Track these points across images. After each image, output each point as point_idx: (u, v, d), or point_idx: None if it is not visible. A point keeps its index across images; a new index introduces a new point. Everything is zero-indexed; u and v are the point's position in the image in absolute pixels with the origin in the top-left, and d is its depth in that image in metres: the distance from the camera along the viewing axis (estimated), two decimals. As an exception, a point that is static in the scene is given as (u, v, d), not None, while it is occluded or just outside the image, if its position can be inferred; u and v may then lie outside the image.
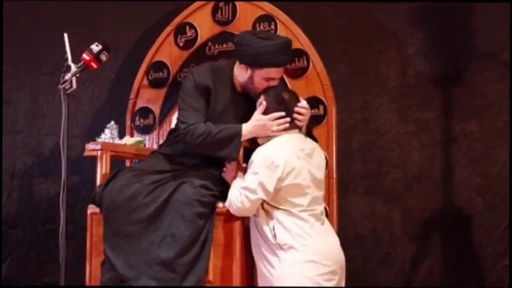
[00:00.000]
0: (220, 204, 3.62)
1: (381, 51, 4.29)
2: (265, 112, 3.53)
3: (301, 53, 4.07)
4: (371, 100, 4.31)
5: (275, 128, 3.52)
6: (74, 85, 3.57)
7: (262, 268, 3.49)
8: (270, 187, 3.42)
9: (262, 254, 3.48)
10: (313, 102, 3.97)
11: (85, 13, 4.81)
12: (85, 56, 3.57)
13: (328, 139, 3.93)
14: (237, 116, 3.69)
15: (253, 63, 3.59)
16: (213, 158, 3.68)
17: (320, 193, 3.55)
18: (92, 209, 3.79)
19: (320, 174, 3.56)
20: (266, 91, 3.59)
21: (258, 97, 3.64)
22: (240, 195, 3.48)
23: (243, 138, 3.58)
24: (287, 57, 3.63)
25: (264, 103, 3.56)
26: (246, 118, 3.61)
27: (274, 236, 3.42)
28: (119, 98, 4.63)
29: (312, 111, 3.79)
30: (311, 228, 3.42)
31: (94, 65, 3.58)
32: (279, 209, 3.45)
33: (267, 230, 3.45)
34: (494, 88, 4.08)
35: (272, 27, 4.11)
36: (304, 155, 3.49)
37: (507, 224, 4.00)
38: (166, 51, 4.33)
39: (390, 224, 4.22)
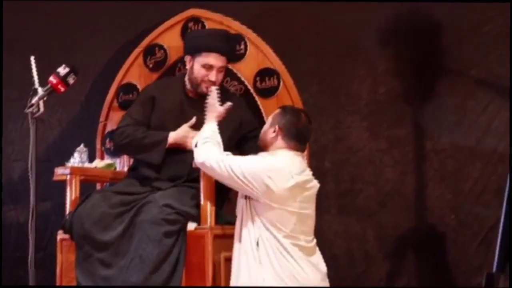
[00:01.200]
0: (192, 226, 3.56)
1: (352, 69, 4.28)
2: (273, 120, 3.47)
3: (271, 72, 4.05)
4: (342, 119, 4.30)
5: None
6: (42, 109, 3.48)
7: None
8: (258, 182, 3.31)
9: (239, 263, 3.41)
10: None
11: (53, 36, 4.77)
12: (52, 79, 3.50)
13: (299, 159, 3.83)
14: (187, 118, 3.75)
15: (192, 48, 3.77)
16: (187, 180, 3.69)
17: (308, 227, 3.48)
18: (61, 235, 3.74)
19: (310, 206, 3.49)
20: (284, 106, 3.58)
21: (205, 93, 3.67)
22: (222, 162, 3.37)
23: (168, 145, 3.69)
24: (224, 45, 3.75)
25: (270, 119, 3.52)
26: (198, 122, 3.68)
27: (257, 244, 3.35)
28: (89, 121, 4.58)
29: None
30: (293, 259, 3.37)
31: (62, 88, 3.51)
32: (263, 226, 3.38)
33: (251, 238, 3.37)
34: (465, 105, 4.08)
35: (242, 46, 4.10)
36: (301, 182, 3.42)
37: (480, 241, 3.99)
38: (136, 72, 4.29)
39: (365, 242, 4.19)
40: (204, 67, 3.76)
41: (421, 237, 4.11)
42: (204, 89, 3.77)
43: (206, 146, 3.46)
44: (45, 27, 4.80)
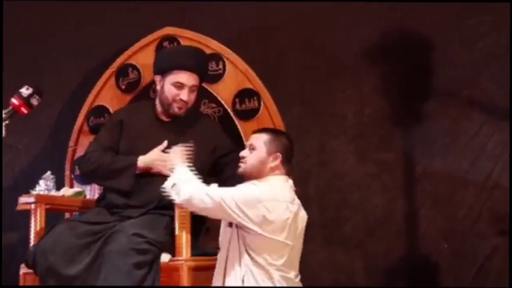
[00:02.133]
0: (165, 258, 3.39)
1: (336, 89, 4.19)
2: (269, 148, 3.33)
3: (251, 93, 3.94)
4: (327, 141, 4.20)
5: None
6: (4, 133, 3.28)
7: None
8: (254, 213, 3.17)
9: None
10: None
11: (19, 56, 4.65)
12: (14, 100, 3.29)
13: (282, 185, 3.67)
14: (158, 142, 3.62)
15: (161, 68, 3.68)
16: (158, 206, 3.54)
17: (296, 258, 3.36)
18: (24, 269, 3.57)
19: (299, 240, 3.37)
20: (262, 129, 3.45)
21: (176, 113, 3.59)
22: (213, 193, 3.20)
23: (138, 170, 3.58)
24: (196, 62, 3.66)
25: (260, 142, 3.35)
26: (168, 140, 3.59)
27: (242, 281, 3.21)
28: (58, 147, 4.42)
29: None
30: None
31: (24, 110, 3.30)
32: (252, 259, 3.22)
33: (236, 275, 3.23)
34: (457, 126, 3.98)
35: (220, 66, 3.99)
36: (293, 210, 3.29)
37: (476, 272, 3.86)
38: (108, 94, 4.16)
39: (352, 274, 4.08)
40: (175, 85, 3.64)
41: (413, 268, 4.00)
42: (176, 110, 3.66)
43: (187, 183, 3.28)
44: (14, 46, 4.67)
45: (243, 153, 3.37)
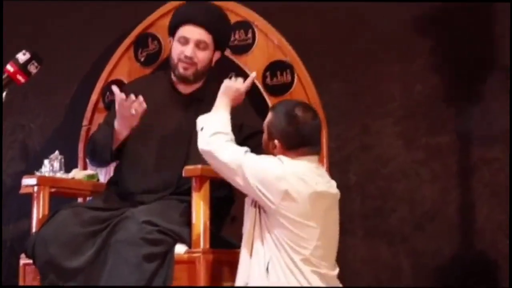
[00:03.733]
0: (181, 249, 3.14)
1: (381, 65, 3.99)
2: (269, 133, 3.08)
3: (284, 66, 3.69)
4: (371, 123, 4.00)
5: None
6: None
7: None
8: (274, 189, 2.92)
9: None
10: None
11: (34, 31, 4.44)
12: (9, 67, 2.99)
13: (318, 169, 3.49)
14: (176, 118, 3.43)
15: (171, 27, 3.44)
16: (175, 192, 3.33)
17: (330, 251, 3.10)
18: (24, 259, 3.35)
19: (334, 226, 3.14)
20: (274, 106, 3.21)
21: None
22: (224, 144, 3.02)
23: (117, 133, 3.35)
24: (202, 14, 3.38)
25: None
26: (186, 116, 3.38)
27: (267, 270, 2.97)
28: (74, 126, 4.19)
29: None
30: None
31: (21, 79, 3.00)
32: (276, 244, 2.98)
33: (260, 262, 3.00)
34: None
35: (250, 35, 3.73)
36: (325, 191, 3.05)
37: None
38: (125, 68, 3.92)
39: (398, 273, 3.90)
40: (179, 41, 3.38)
41: (467, 267, 3.82)
42: (182, 70, 3.39)
43: (217, 132, 3.08)
44: (25, 20, 4.49)
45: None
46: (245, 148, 3.04)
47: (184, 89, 3.44)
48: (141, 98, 3.21)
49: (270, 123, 3.09)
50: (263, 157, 3.03)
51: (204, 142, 3.05)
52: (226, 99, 3.19)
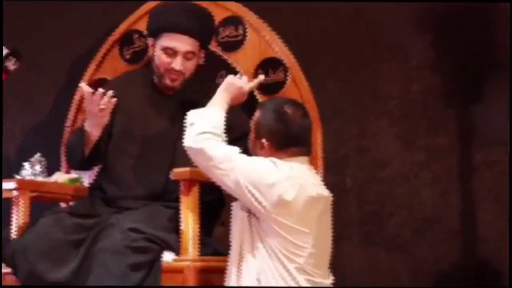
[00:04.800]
0: (168, 257, 3.04)
1: (378, 63, 3.97)
2: (257, 132, 2.98)
3: (277, 63, 3.58)
4: (367, 124, 3.99)
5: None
6: None
7: None
8: (267, 192, 2.80)
9: None
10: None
11: (17, 27, 4.36)
12: None
13: (313, 173, 3.44)
14: (158, 119, 3.33)
15: (154, 28, 3.31)
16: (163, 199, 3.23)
17: (324, 258, 3.00)
18: (4, 268, 3.20)
19: (327, 231, 3.03)
20: (262, 103, 3.13)
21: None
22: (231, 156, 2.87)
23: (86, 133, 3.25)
24: (192, 22, 3.25)
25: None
26: (170, 117, 3.30)
27: (258, 280, 2.89)
28: (57, 127, 4.10)
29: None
30: None
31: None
32: (268, 253, 2.88)
33: (250, 273, 2.90)
34: None
35: (240, 31, 3.62)
36: (316, 195, 2.94)
37: None
38: (110, 66, 3.82)
39: (396, 281, 3.87)
40: (166, 52, 3.25)
41: (470, 275, 3.79)
42: (169, 82, 3.29)
43: (209, 136, 2.96)
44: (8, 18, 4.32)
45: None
46: (237, 149, 2.93)
47: (167, 89, 3.35)
48: (110, 92, 3.10)
49: (257, 122, 2.98)
50: (256, 159, 2.93)
51: (190, 140, 2.94)
52: (226, 96, 3.07)
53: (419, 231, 3.85)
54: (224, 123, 3.03)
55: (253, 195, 2.83)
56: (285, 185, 2.84)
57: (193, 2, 3.46)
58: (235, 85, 3.08)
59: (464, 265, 3.78)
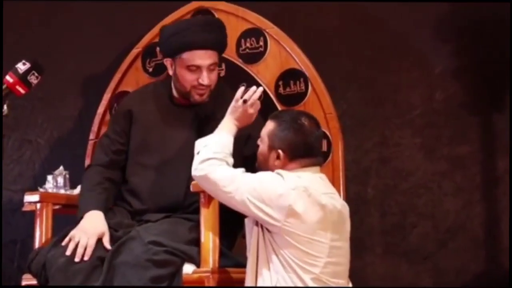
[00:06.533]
0: (189, 269, 3.04)
1: (400, 72, 3.93)
2: (272, 142, 3.00)
3: (297, 75, 3.57)
4: (389, 134, 3.95)
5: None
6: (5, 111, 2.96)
7: None
8: (277, 206, 2.82)
9: None
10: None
11: (43, 40, 4.39)
12: (8, 78, 2.92)
13: (333, 184, 3.35)
14: (176, 133, 3.34)
15: (170, 49, 3.30)
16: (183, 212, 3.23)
17: (341, 267, 2.97)
18: (27, 280, 3.26)
19: (344, 241, 3.00)
20: (275, 115, 3.10)
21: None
22: (236, 178, 2.90)
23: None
24: (209, 35, 3.26)
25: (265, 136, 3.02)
26: (189, 129, 3.31)
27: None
28: (81, 140, 4.12)
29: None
30: None
31: (21, 90, 2.93)
32: (283, 265, 2.88)
33: (266, 285, 2.90)
34: None
35: (261, 43, 3.63)
36: (330, 205, 2.93)
37: None
38: (133, 78, 3.83)
39: None
40: (190, 70, 3.25)
41: (493, 286, 3.71)
42: (197, 97, 3.28)
43: (211, 162, 2.98)
44: (33, 30, 4.45)
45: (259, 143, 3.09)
46: (241, 169, 2.96)
47: (185, 102, 3.36)
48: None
49: (273, 133, 2.98)
50: (260, 174, 2.95)
51: (194, 169, 2.99)
52: (233, 119, 3.10)
53: (442, 241, 3.82)
54: (237, 134, 3.06)
55: (261, 210, 2.84)
56: (293, 195, 2.84)
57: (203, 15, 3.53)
58: (238, 109, 3.09)
59: (488, 276, 3.75)
